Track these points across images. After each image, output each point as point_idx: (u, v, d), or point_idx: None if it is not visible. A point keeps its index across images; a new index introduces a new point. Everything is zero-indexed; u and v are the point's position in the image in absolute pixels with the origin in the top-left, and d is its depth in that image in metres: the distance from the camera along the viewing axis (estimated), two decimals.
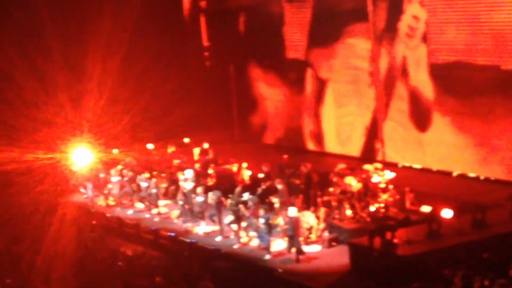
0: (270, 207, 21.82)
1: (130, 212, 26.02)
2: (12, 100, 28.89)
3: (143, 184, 25.58)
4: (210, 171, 26.54)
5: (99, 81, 29.91)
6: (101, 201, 27.04)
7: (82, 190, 27.39)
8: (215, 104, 33.61)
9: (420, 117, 26.07)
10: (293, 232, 20.22)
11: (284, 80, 31.13)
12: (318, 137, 30.01)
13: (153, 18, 31.87)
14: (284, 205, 21.91)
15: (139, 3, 30.36)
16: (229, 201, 22.30)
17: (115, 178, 26.61)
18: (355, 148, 28.61)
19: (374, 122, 27.68)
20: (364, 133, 28.09)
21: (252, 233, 21.60)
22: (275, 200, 22.40)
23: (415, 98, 26.08)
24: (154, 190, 25.27)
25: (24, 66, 29.35)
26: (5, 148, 26.53)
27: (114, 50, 29.82)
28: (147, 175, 25.82)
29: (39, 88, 29.41)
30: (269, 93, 31.90)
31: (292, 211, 20.48)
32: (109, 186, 26.85)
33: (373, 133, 27.76)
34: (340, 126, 29.07)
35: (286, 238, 20.69)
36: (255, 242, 21.52)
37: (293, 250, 20.43)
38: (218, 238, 22.53)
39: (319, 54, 29.38)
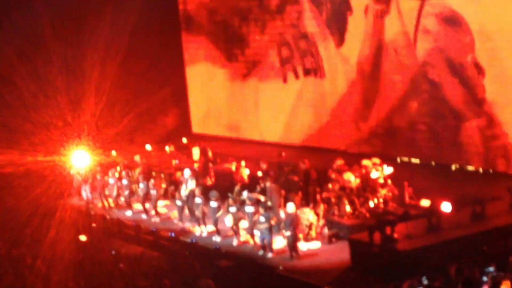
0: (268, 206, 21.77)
1: (129, 213, 26.02)
2: (11, 103, 28.91)
3: (142, 185, 25.56)
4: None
5: (97, 84, 29.90)
6: (100, 203, 27.01)
7: (82, 192, 27.43)
8: None
9: None
10: (291, 229, 20.21)
11: None
12: None
13: (151, 21, 31.88)
14: (278, 203, 21.96)
15: (137, 6, 30.37)
16: (229, 200, 22.30)
17: (113, 180, 26.59)
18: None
19: None
20: None
21: (253, 232, 21.57)
22: (262, 199, 22.29)
23: None
24: (153, 192, 25.24)
25: (23, 68, 29.37)
26: (4, 151, 26.46)
27: (112, 53, 29.83)
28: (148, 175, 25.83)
29: (38, 91, 29.43)
30: None
31: (291, 207, 20.47)
32: (108, 188, 26.82)
33: None
34: None
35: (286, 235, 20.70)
36: (255, 241, 21.48)
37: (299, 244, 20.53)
38: (218, 238, 22.50)
39: None
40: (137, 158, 27.56)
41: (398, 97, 26.42)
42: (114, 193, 26.66)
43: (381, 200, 21.90)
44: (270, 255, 20.70)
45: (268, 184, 22.73)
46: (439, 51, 24.91)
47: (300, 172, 23.66)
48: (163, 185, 26.43)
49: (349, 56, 27.90)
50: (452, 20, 24.30)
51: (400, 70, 26.19)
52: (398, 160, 26.10)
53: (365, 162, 22.70)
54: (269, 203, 21.94)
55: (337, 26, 28.06)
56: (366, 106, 27.62)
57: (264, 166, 24.58)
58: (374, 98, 27.26)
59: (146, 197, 25.46)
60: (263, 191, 22.71)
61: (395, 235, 18.61)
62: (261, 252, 20.87)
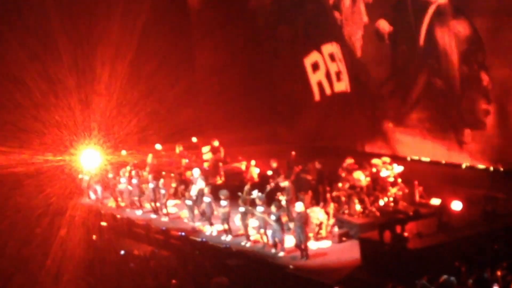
0: (279, 204, 21.76)
1: (139, 213, 26.04)
2: (22, 102, 29.00)
3: (151, 185, 25.59)
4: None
5: (107, 84, 29.97)
6: (110, 203, 27.06)
7: (91, 192, 27.49)
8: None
9: None
10: (300, 228, 20.19)
11: None
12: None
13: (161, 21, 31.92)
14: (291, 202, 21.93)
15: (147, 6, 30.42)
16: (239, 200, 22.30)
17: (123, 180, 26.64)
18: None
19: None
20: None
21: (263, 230, 21.55)
22: (282, 198, 22.35)
23: None
24: (163, 191, 25.27)
25: (34, 68, 29.47)
26: (15, 150, 26.60)
27: (122, 53, 29.88)
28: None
29: (49, 91, 29.52)
30: None
31: (299, 207, 20.44)
32: (119, 187, 26.85)
33: None
34: None
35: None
36: (265, 239, 21.46)
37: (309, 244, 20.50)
38: (229, 237, 22.49)
39: None
40: (149, 157, 27.59)
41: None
42: (125, 192, 26.69)
43: (391, 199, 21.88)
44: (282, 253, 20.68)
45: (287, 183, 22.72)
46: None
47: (311, 171, 23.64)
48: (173, 185, 26.46)
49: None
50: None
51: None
52: (408, 158, 26.03)
53: (375, 161, 22.68)
54: (283, 202, 21.98)
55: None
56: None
57: (274, 164, 24.56)
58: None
59: (156, 196, 25.50)
60: (278, 190, 22.72)
61: (406, 234, 18.54)
62: (273, 251, 20.86)
